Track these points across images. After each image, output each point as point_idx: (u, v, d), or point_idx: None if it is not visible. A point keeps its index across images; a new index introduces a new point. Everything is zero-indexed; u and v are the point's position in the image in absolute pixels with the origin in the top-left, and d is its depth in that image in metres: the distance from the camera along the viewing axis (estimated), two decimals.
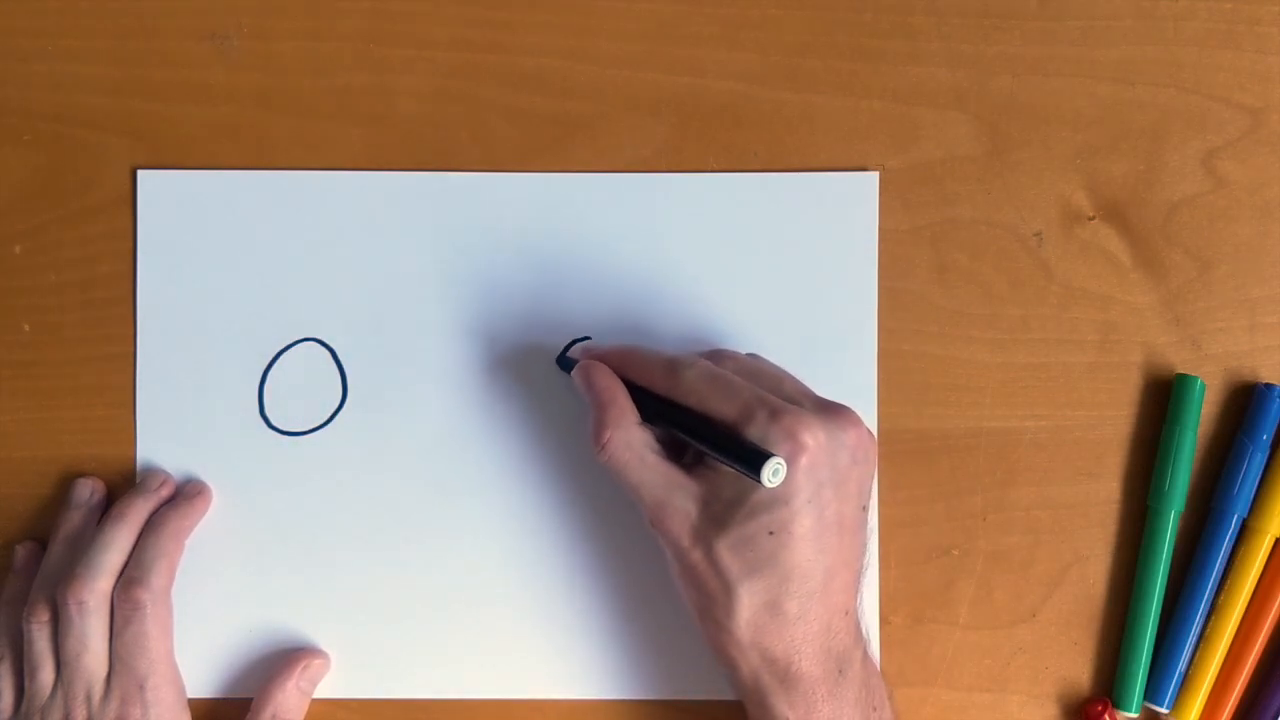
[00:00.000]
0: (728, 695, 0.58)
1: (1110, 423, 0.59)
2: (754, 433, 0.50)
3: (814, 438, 0.50)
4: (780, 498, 0.50)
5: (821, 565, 0.51)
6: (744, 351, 0.56)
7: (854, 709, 0.51)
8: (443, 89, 0.60)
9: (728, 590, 0.51)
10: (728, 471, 0.51)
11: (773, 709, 0.51)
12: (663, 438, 0.54)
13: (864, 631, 0.53)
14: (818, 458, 0.50)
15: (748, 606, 0.50)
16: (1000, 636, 0.58)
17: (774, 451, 0.49)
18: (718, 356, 0.54)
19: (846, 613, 0.52)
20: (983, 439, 0.59)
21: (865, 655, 0.52)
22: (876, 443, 0.53)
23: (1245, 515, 0.57)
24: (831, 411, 0.52)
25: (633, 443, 0.52)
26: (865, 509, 0.53)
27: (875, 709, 0.52)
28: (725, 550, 0.50)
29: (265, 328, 0.59)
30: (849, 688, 0.51)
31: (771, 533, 0.50)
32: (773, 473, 0.49)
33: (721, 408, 0.51)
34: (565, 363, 0.58)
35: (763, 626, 0.50)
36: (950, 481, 0.59)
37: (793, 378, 0.54)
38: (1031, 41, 0.59)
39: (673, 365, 0.53)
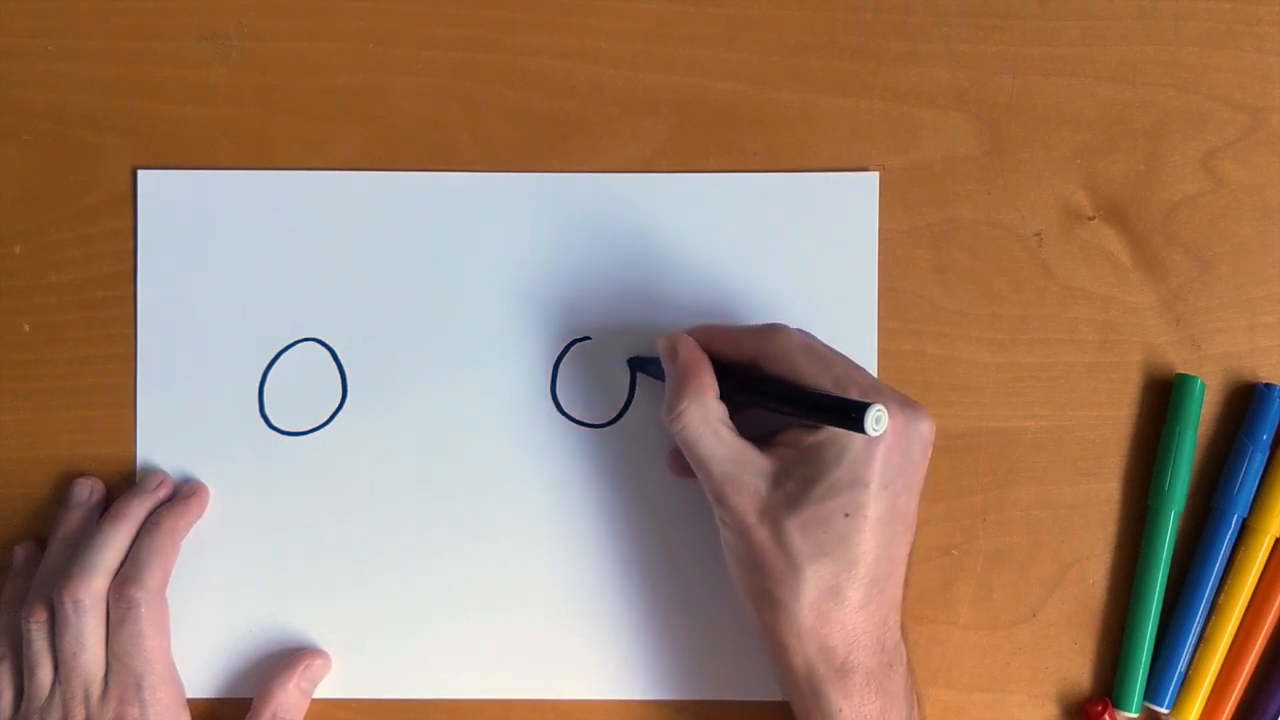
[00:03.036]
0: (728, 695, 0.58)
1: (1110, 423, 0.59)
2: None
3: (895, 424, 0.50)
4: (860, 480, 0.50)
5: (887, 554, 0.51)
6: None
7: (902, 705, 0.51)
8: (443, 89, 0.60)
9: (795, 570, 0.50)
10: (805, 448, 0.51)
11: (827, 699, 0.50)
12: (735, 418, 0.53)
13: (905, 631, 0.53)
14: (897, 444, 0.51)
15: (813, 589, 0.50)
16: (1000, 636, 0.58)
17: (837, 395, 0.50)
18: (790, 327, 0.55)
19: (897, 607, 0.52)
20: (983, 439, 0.59)
21: (907, 654, 0.52)
22: None
23: (1245, 515, 0.57)
24: (909, 402, 0.52)
25: (709, 415, 0.52)
26: (918, 507, 0.53)
27: (913, 706, 0.52)
28: (796, 529, 0.50)
29: (265, 328, 0.59)
30: (897, 683, 0.51)
31: (847, 515, 0.50)
32: (875, 420, 0.48)
33: (815, 374, 0.52)
34: (636, 363, 0.58)
35: (825, 613, 0.50)
36: (950, 481, 0.59)
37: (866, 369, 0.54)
38: (1031, 41, 0.59)
39: (765, 329, 0.54)
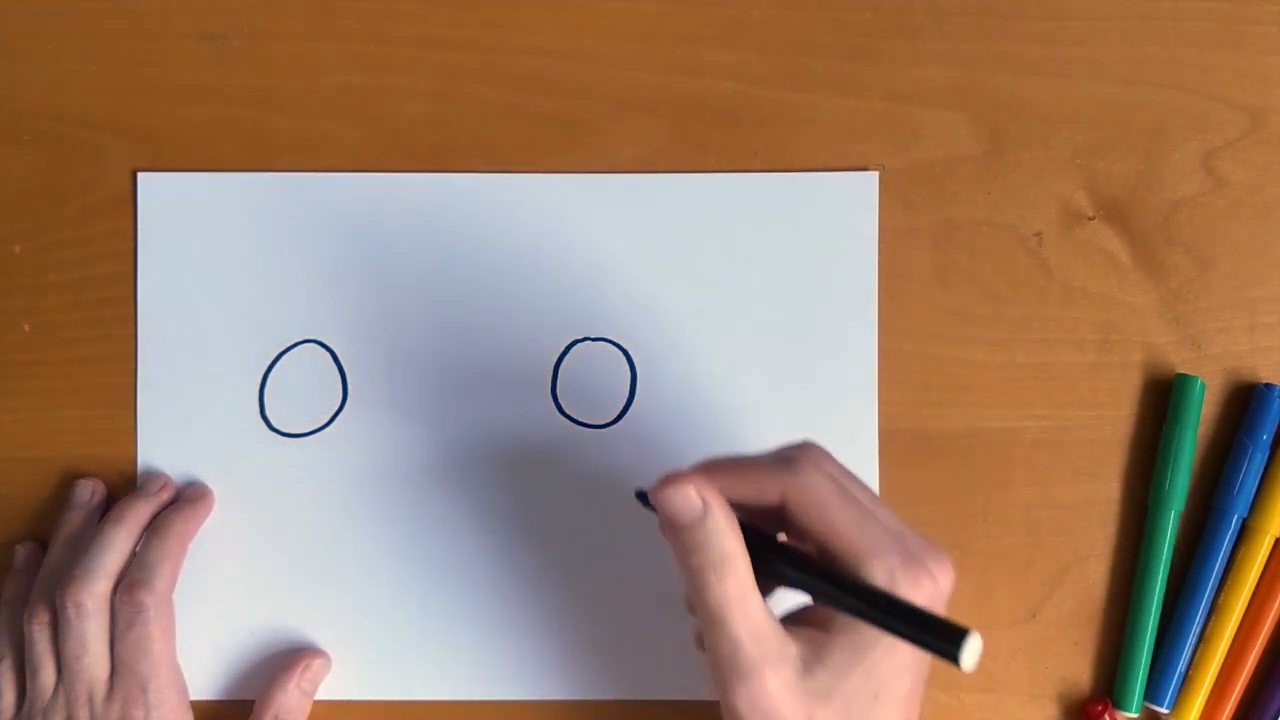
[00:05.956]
0: None
1: (1110, 423, 0.59)
2: (880, 573, 0.45)
3: (929, 590, 0.45)
4: (893, 662, 0.46)
5: (902, 718, 0.47)
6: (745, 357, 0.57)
7: None
8: (443, 89, 0.60)
9: None
10: (836, 631, 0.46)
11: None
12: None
13: None
14: (935, 609, 0.46)
15: None
16: (1000, 636, 0.59)
17: (933, 613, 0.44)
18: (815, 453, 0.48)
19: None
20: (983, 439, 0.59)
21: None
22: None
23: (1245, 515, 0.58)
24: (934, 553, 0.46)
25: (748, 583, 0.45)
26: None
27: None
28: (826, 717, 0.45)
29: (265, 329, 0.59)
30: None
31: (877, 697, 0.46)
32: (972, 653, 0.42)
33: (851, 527, 0.45)
34: (645, 497, 0.49)
35: None
36: (950, 481, 0.59)
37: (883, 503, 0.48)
38: (1031, 41, 0.59)
39: (786, 466, 0.46)
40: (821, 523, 0.46)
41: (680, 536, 0.46)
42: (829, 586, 0.45)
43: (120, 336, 0.59)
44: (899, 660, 0.46)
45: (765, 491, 0.46)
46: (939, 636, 0.43)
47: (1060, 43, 0.59)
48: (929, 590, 0.45)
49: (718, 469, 0.47)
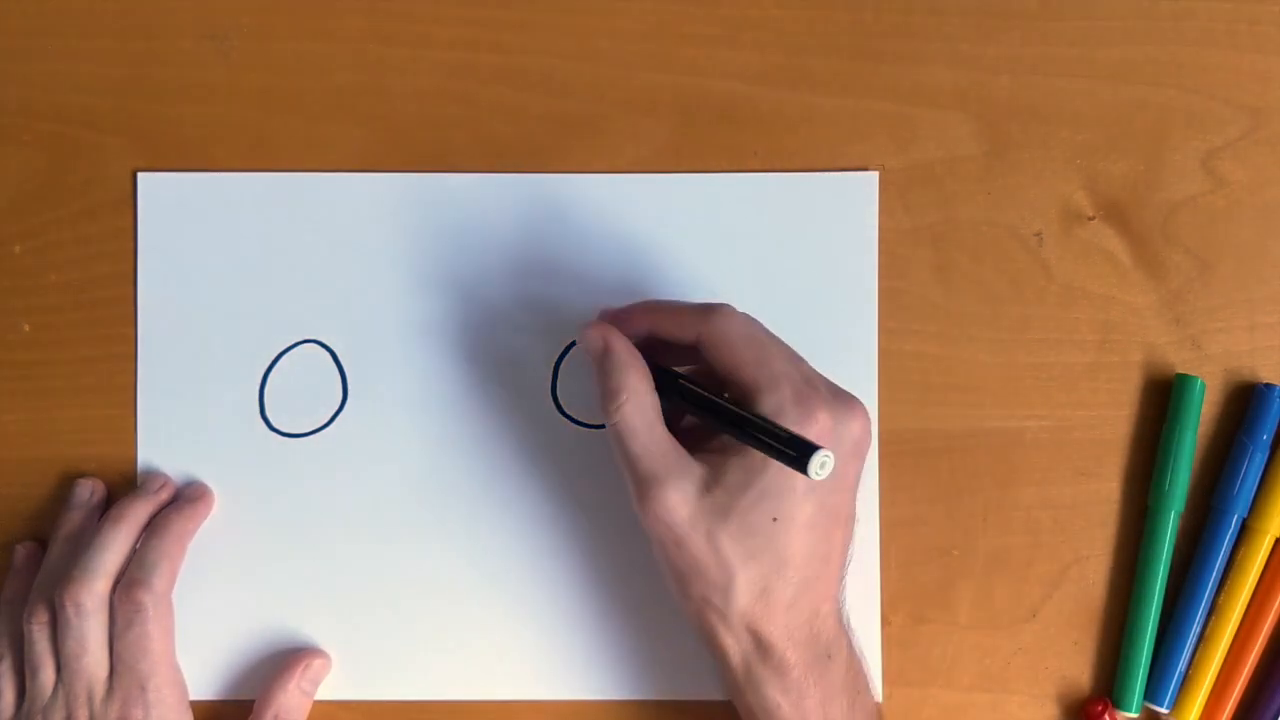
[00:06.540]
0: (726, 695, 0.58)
1: (1110, 423, 0.59)
2: (770, 404, 0.50)
3: (823, 426, 0.50)
4: (788, 486, 0.50)
5: (817, 554, 0.51)
6: None
7: (840, 693, 0.52)
8: (443, 89, 0.60)
9: (728, 576, 0.50)
10: (731, 454, 0.51)
11: (766, 695, 0.51)
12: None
13: (847, 621, 0.53)
14: (824, 446, 0.50)
15: (745, 593, 0.50)
16: (1000, 636, 0.59)
17: (786, 428, 0.49)
18: (738, 310, 0.53)
19: (831, 598, 0.52)
20: (983, 439, 0.59)
21: (850, 644, 0.53)
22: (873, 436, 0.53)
23: (1245, 515, 0.58)
24: (841, 400, 0.51)
25: (646, 409, 0.51)
26: (855, 501, 0.53)
27: (859, 693, 0.53)
28: (727, 537, 0.50)
29: (265, 329, 0.59)
30: (835, 673, 0.52)
31: (775, 520, 0.50)
32: (820, 465, 0.47)
33: (753, 366, 0.51)
34: None
35: (758, 613, 0.50)
36: (950, 481, 0.59)
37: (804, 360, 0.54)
38: (1031, 41, 0.59)
39: (708, 309, 0.52)
40: (728, 361, 0.51)
41: (595, 369, 0.53)
42: (710, 409, 0.51)
43: (120, 336, 0.59)
44: (795, 485, 0.50)
45: (685, 330, 0.53)
46: (786, 446, 0.48)
47: (1060, 43, 0.59)
48: (821, 424, 0.50)
49: (649, 307, 0.54)
